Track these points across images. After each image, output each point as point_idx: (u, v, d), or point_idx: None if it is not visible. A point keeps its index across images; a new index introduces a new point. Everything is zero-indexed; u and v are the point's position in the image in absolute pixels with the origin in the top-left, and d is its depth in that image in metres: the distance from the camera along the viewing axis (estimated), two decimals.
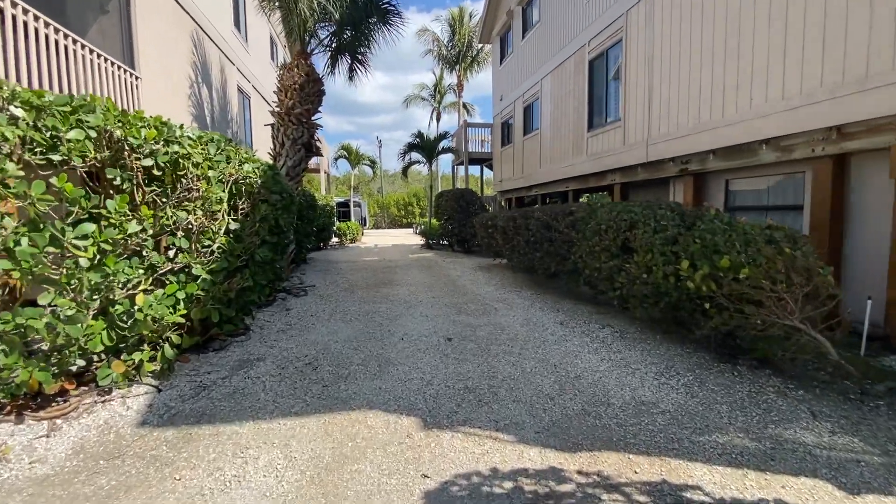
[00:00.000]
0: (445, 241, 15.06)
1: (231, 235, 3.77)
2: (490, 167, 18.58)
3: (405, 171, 17.67)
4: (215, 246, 3.59)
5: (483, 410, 2.99)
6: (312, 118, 8.25)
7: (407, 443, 2.61)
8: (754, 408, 2.97)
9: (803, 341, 3.12)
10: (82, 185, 2.98)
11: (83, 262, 2.58)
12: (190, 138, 3.46)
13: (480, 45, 23.84)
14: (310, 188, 20.79)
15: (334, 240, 18.92)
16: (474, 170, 21.63)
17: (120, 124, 2.85)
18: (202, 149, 3.50)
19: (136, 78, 5.91)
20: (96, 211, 2.65)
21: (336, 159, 22.37)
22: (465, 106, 28.94)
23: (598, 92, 9.03)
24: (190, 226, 3.37)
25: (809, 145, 4.74)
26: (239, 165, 3.86)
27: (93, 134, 2.69)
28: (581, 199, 13.51)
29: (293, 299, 6.44)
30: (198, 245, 3.55)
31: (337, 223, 19.98)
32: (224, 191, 3.69)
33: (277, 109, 8.01)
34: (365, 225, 32.73)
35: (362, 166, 23.04)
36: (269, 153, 8.31)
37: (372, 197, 48.49)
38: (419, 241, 20.08)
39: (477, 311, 5.65)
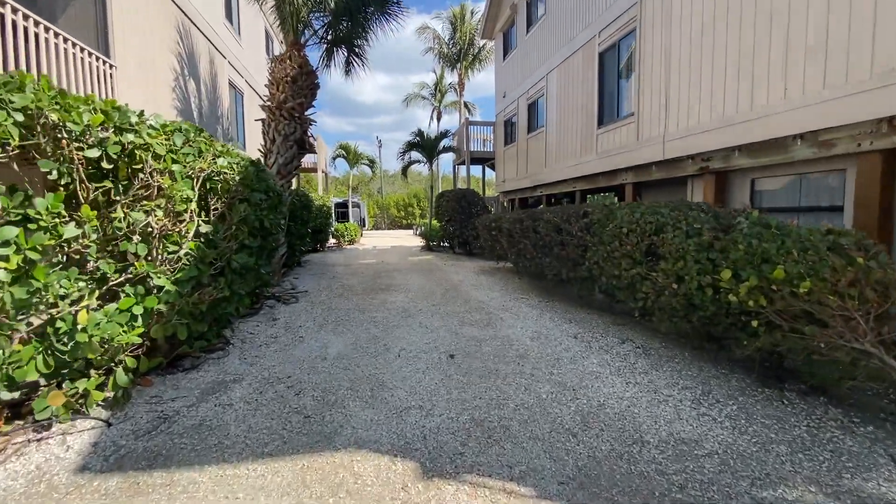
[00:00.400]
0: (446, 244, 14.60)
1: (202, 239, 3.28)
2: (492, 167, 18.10)
3: (405, 170, 17.19)
4: (182, 252, 3.10)
5: (493, 451, 2.50)
6: (305, 113, 7.76)
7: (402, 499, 2.11)
8: (819, 449, 2.48)
9: (874, 367, 2.62)
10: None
11: (3, 276, 2.09)
12: (152, 127, 2.97)
13: (482, 43, 23.38)
14: (307, 188, 20.32)
15: (332, 241, 18.45)
16: (475, 170, 21.15)
17: (57, 106, 2.37)
18: (166, 139, 3.01)
19: (111, 66, 5.42)
20: (20, 212, 2.16)
21: (334, 158, 21.85)
22: (466, 105, 28.47)
23: (609, 86, 8.54)
24: (150, 229, 2.88)
25: (854, 139, 4.25)
26: (212, 160, 3.37)
27: (19, 117, 2.21)
28: (589, 200, 13.04)
29: (282, 307, 5.95)
30: (163, 251, 3.06)
31: (335, 224, 19.50)
32: (193, 188, 3.20)
33: (268, 103, 7.52)
34: (364, 226, 32.26)
35: (361, 166, 22.53)
36: (259, 150, 7.83)
37: (371, 198, 48.05)
38: (419, 242, 19.59)
39: (481, 322, 5.16)
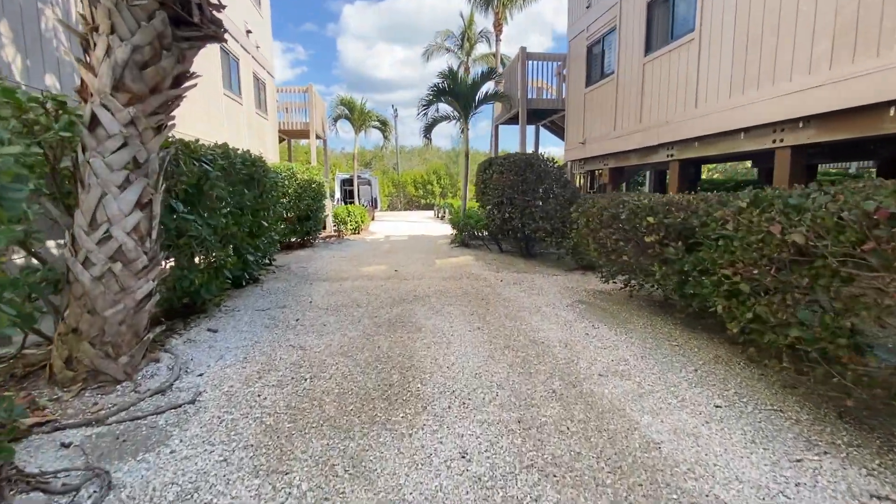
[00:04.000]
0: (485, 233, 9.90)
1: None
2: (551, 127, 13.06)
3: (429, 130, 12.29)
4: None
5: None
6: None
7: None
8: None
9: None
10: None
11: None
12: None
13: None
14: (311, 164, 15.67)
15: (332, 227, 13.94)
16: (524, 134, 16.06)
17: None
18: None
19: None
20: None
21: (335, 120, 17.00)
22: (503, 60, 23.09)
23: None
24: None
25: None
26: None
27: None
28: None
29: None
30: None
31: (335, 207, 14.93)
32: None
33: None
34: (376, 207, 27.70)
35: (370, 129, 17.69)
36: (79, 41, 3.13)
37: (386, 174, 43.27)
38: (445, 230, 14.89)
39: None
